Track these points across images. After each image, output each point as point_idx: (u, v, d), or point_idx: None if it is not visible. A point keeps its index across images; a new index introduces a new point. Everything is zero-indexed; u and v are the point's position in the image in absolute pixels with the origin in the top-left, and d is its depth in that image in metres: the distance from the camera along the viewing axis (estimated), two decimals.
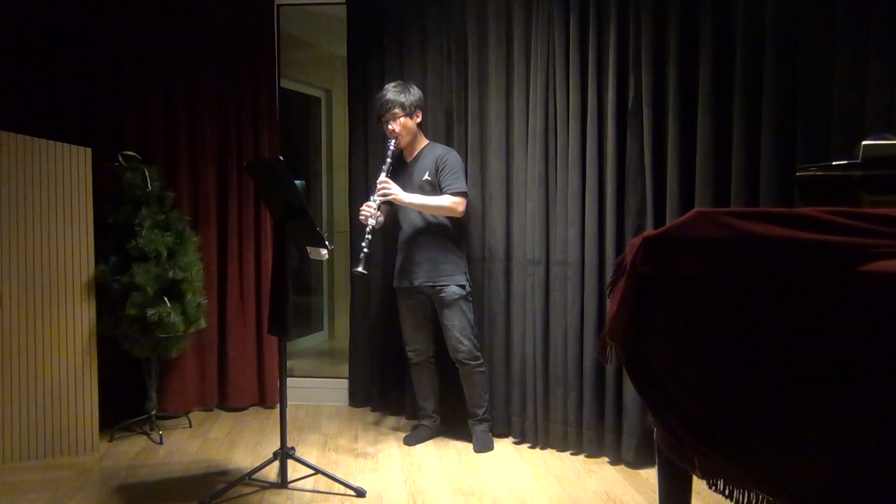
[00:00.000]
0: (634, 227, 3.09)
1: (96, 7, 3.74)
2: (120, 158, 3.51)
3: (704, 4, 2.88)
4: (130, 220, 3.39)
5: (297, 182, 4.93)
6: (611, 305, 1.70)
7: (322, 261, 3.04)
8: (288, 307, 2.77)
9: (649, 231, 1.70)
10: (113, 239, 3.42)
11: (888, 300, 1.24)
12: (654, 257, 1.51)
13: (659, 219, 3.02)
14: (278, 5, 4.06)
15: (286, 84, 4.60)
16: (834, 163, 1.91)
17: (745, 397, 1.43)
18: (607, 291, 1.79)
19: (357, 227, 3.93)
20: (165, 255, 3.39)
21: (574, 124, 3.21)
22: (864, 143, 1.83)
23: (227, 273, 3.94)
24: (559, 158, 3.28)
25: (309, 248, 2.99)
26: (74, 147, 3.26)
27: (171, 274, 3.37)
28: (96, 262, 3.32)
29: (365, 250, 3.16)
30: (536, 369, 3.34)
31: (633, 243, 1.60)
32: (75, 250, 3.25)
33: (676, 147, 2.97)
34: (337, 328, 5.79)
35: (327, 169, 5.69)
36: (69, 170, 3.23)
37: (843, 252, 1.31)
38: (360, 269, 3.16)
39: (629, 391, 3.06)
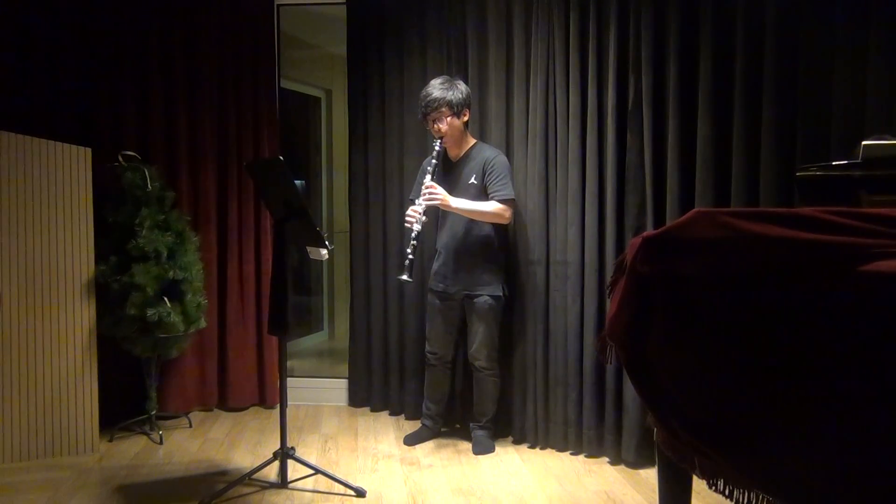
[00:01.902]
0: (634, 227, 3.09)
1: (96, 7, 3.74)
2: (120, 158, 3.51)
3: (704, 4, 2.88)
4: (130, 220, 3.39)
5: (297, 182, 4.93)
6: (611, 305, 1.70)
7: (322, 261, 3.03)
8: (288, 307, 2.77)
9: (649, 231, 1.70)
10: (113, 239, 3.42)
11: (888, 300, 1.24)
12: (654, 257, 1.51)
13: (659, 219, 3.03)
14: (278, 5, 4.06)
15: (286, 84, 4.59)
16: (834, 163, 1.92)
17: (744, 397, 1.43)
18: (607, 291, 1.79)
19: (356, 224, 3.95)
20: (165, 255, 3.39)
21: (574, 124, 3.21)
22: (864, 143, 1.83)
23: (227, 273, 3.93)
24: (559, 158, 3.28)
25: (309, 248, 2.99)
26: (74, 147, 3.26)
27: (171, 274, 3.37)
28: (96, 262, 3.32)
29: (410, 257, 3.05)
30: (536, 369, 3.34)
31: (633, 243, 1.60)
32: (75, 250, 3.25)
33: (676, 147, 2.97)
34: (337, 328, 5.79)
35: (327, 169, 5.69)
36: (69, 170, 3.23)
37: (843, 252, 1.31)
38: (405, 276, 3.05)
39: (629, 391, 3.07)
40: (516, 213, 3.40)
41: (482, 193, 3.23)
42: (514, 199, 3.24)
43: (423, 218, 3.12)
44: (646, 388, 1.63)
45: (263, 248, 3.99)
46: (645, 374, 1.62)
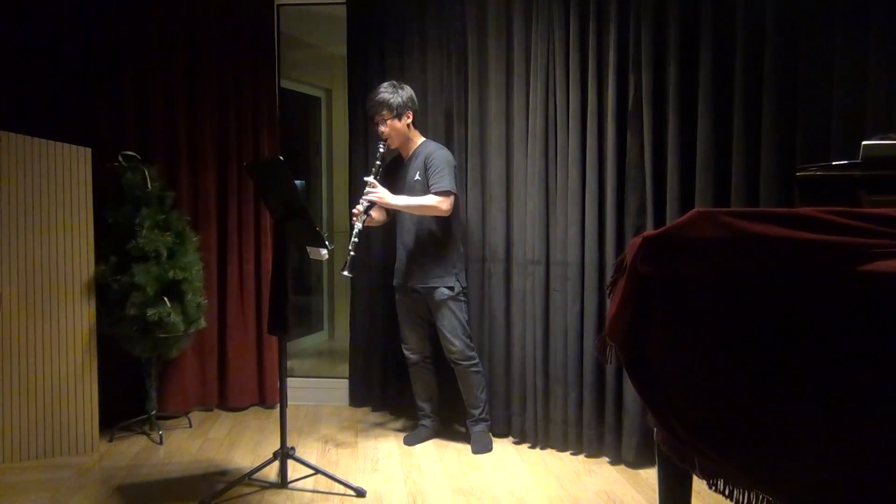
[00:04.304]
0: (634, 227, 3.09)
1: (96, 7, 3.74)
2: (120, 158, 3.51)
3: (704, 4, 2.88)
4: (130, 220, 3.39)
5: (297, 182, 4.93)
6: (611, 305, 1.70)
7: (322, 261, 3.03)
8: (287, 307, 2.77)
9: (649, 231, 1.70)
10: (113, 239, 3.42)
11: (888, 300, 1.24)
12: (654, 257, 1.51)
13: (659, 219, 3.02)
14: (278, 5, 4.06)
15: (286, 84, 4.59)
16: (834, 163, 1.91)
17: (744, 397, 1.43)
18: (607, 291, 1.79)
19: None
20: (165, 255, 3.39)
21: (574, 124, 3.21)
22: (864, 143, 1.83)
23: (227, 273, 3.94)
24: (559, 158, 3.28)
25: (309, 248, 2.99)
26: (74, 147, 3.26)
27: (171, 274, 3.36)
28: (96, 262, 3.32)
29: (351, 253, 3.13)
30: (536, 369, 3.34)
31: (633, 243, 1.60)
32: (75, 250, 3.25)
33: (676, 147, 2.97)
34: (337, 328, 5.79)
35: (327, 169, 5.69)
36: (69, 170, 3.23)
37: (843, 252, 1.31)
38: (345, 272, 3.13)
39: (629, 391, 3.06)
40: (515, 213, 3.40)
41: (427, 189, 3.27)
42: (449, 191, 3.24)
43: (365, 216, 3.20)
44: (646, 388, 1.63)
45: (263, 248, 3.99)
46: (645, 374, 1.62)
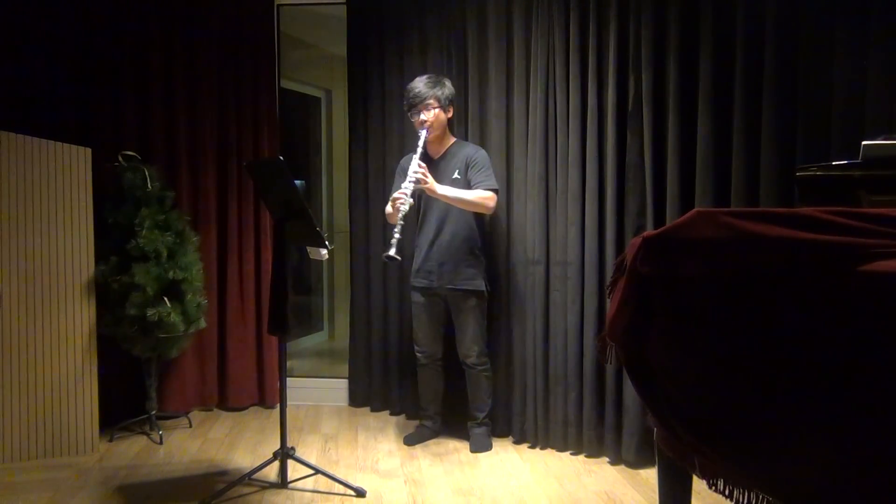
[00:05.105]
0: (634, 227, 3.09)
1: (96, 7, 3.74)
2: (120, 158, 3.51)
3: (704, 4, 2.88)
4: (130, 220, 3.39)
5: (297, 182, 4.93)
6: (611, 305, 1.70)
7: (322, 261, 3.03)
8: (288, 307, 2.77)
9: (649, 231, 1.70)
10: (113, 239, 3.42)
11: (888, 300, 1.24)
12: (654, 257, 1.51)
13: (659, 219, 3.03)
14: (278, 5, 4.06)
15: (286, 84, 4.59)
16: (834, 163, 1.91)
17: (744, 397, 1.43)
18: (607, 291, 1.79)
19: (356, 224, 3.94)
20: (165, 255, 3.39)
21: (574, 124, 3.21)
22: (864, 143, 1.83)
23: (227, 273, 3.93)
24: (559, 158, 3.28)
25: (309, 248, 2.99)
26: (74, 147, 3.26)
27: (171, 274, 3.37)
28: (96, 262, 3.32)
29: (397, 236, 2.99)
30: (536, 369, 3.34)
31: (633, 243, 1.60)
32: (75, 250, 3.25)
33: (676, 147, 2.97)
34: (337, 328, 5.78)
35: (327, 169, 5.69)
36: (69, 170, 3.23)
37: (843, 252, 1.31)
38: (392, 253, 2.95)
39: (629, 391, 3.07)
40: (515, 213, 3.41)
41: (466, 188, 3.24)
42: (497, 190, 3.24)
43: (410, 200, 3.09)
44: (646, 388, 1.63)
45: (263, 248, 3.99)
46: (645, 374, 1.62)
